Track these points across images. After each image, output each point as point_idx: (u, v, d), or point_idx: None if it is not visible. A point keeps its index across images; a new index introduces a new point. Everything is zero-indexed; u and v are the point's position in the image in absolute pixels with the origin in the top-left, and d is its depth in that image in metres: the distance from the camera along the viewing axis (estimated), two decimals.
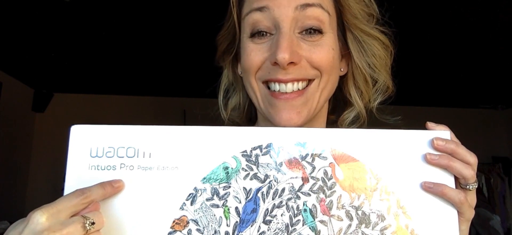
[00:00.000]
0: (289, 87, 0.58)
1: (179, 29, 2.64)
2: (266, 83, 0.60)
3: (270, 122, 0.62)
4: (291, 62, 0.56)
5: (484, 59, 3.18)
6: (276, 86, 0.59)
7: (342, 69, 0.66)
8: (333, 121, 0.71)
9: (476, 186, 0.51)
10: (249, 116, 0.74)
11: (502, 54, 3.05)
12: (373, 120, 0.68)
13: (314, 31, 0.59)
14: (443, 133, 0.52)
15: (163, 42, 2.87)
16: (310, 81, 0.59)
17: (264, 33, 0.60)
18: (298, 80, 0.58)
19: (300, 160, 0.50)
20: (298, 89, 0.59)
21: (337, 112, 0.71)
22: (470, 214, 0.50)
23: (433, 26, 2.59)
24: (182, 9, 2.35)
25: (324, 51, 0.59)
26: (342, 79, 0.67)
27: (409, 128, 0.52)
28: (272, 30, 0.59)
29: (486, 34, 2.71)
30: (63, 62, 3.33)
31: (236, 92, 0.73)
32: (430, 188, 0.49)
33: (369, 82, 0.65)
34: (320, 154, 0.51)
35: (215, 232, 0.48)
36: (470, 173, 0.50)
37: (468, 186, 0.50)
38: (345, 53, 0.65)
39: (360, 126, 0.67)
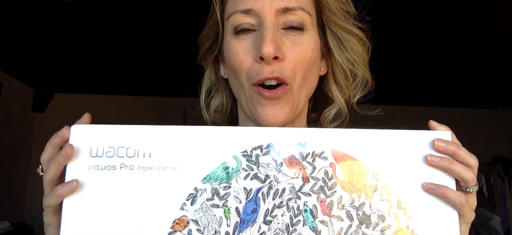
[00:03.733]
0: (274, 82, 0.59)
1: (179, 29, 2.64)
2: (255, 85, 0.60)
3: (252, 122, 0.63)
4: (276, 57, 0.57)
5: (484, 59, 3.18)
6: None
7: (322, 69, 0.68)
8: (314, 119, 0.72)
9: (476, 189, 0.50)
10: (231, 117, 0.74)
11: (502, 54, 3.05)
12: (354, 115, 0.69)
13: (296, 27, 0.60)
14: (444, 133, 0.51)
15: (163, 42, 2.87)
16: (288, 84, 0.60)
17: (248, 30, 0.61)
18: (280, 80, 0.59)
19: (300, 160, 0.50)
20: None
21: (318, 110, 0.72)
22: (471, 216, 0.50)
23: (433, 26, 2.59)
24: (182, 9, 2.35)
25: (303, 50, 0.60)
26: (322, 78, 0.69)
27: (409, 128, 0.52)
28: (256, 27, 0.60)
29: (486, 34, 2.71)
30: (63, 62, 3.33)
31: (218, 93, 0.73)
32: (432, 190, 0.49)
33: (350, 77, 0.66)
34: (321, 154, 0.51)
35: (216, 232, 0.48)
36: (470, 176, 0.49)
37: (468, 189, 0.50)
38: (325, 52, 0.66)
39: (342, 122, 0.68)
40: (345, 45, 0.65)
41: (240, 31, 0.61)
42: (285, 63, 0.59)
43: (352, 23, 0.65)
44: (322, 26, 0.65)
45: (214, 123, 0.72)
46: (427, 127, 0.53)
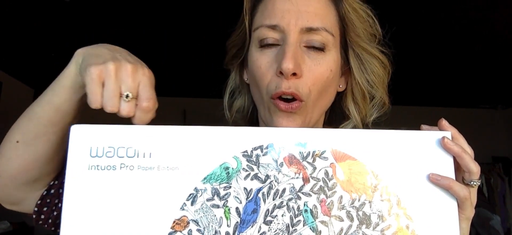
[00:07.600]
0: (289, 97, 0.62)
1: (179, 29, 2.64)
2: (272, 98, 0.63)
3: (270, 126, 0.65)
4: (294, 74, 0.60)
5: (483, 59, 3.18)
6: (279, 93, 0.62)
7: (340, 86, 0.70)
8: None
9: (478, 184, 0.52)
10: (251, 119, 0.78)
11: (502, 54, 3.05)
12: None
13: (317, 47, 0.63)
14: (445, 133, 0.52)
15: (163, 42, 2.87)
16: (302, 100, 0.62)
17: (272, 44, 0.63)
18: (295, 96, 0.61)
19: (301, 160, 0.50)
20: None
21: (334, 123, 0.74)
22: (471, 212, 0.51)
23: (433, 26, 2.60)
24: (182, 9, 2.35)
25: (322, 70, 0.62)
26: (341, 94, 0.71)
27: (409, 128, 0.52)
28: (280, 42, 0.63)
29: (486, 34, 2.71)
30: (63, 62, 3.33)
31: (241, 95, 0.77)
32: (437, 180, 0.49)
33: (367, 98, 0.69)
34: (321, 154, 0.51)
35: (216, 232, 0.48)
36: (478, 168, 0.51)
37: (471, 182, 0.51)
38: (345, 70, 0.69)
39: None
40: (366, 67, 0.67)
41: (264, 45, 0.64)
42: (302, 80, 0.61)
43: (375, 46, 0.67)
44: (345, 45, 0.67)
45: (235, 122, 0.76)
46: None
